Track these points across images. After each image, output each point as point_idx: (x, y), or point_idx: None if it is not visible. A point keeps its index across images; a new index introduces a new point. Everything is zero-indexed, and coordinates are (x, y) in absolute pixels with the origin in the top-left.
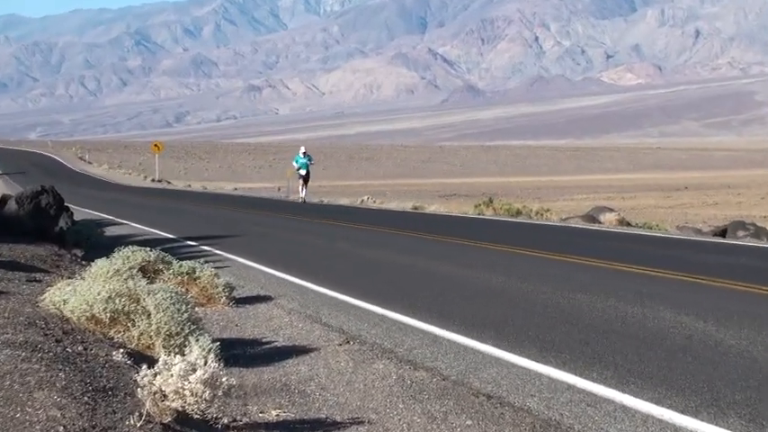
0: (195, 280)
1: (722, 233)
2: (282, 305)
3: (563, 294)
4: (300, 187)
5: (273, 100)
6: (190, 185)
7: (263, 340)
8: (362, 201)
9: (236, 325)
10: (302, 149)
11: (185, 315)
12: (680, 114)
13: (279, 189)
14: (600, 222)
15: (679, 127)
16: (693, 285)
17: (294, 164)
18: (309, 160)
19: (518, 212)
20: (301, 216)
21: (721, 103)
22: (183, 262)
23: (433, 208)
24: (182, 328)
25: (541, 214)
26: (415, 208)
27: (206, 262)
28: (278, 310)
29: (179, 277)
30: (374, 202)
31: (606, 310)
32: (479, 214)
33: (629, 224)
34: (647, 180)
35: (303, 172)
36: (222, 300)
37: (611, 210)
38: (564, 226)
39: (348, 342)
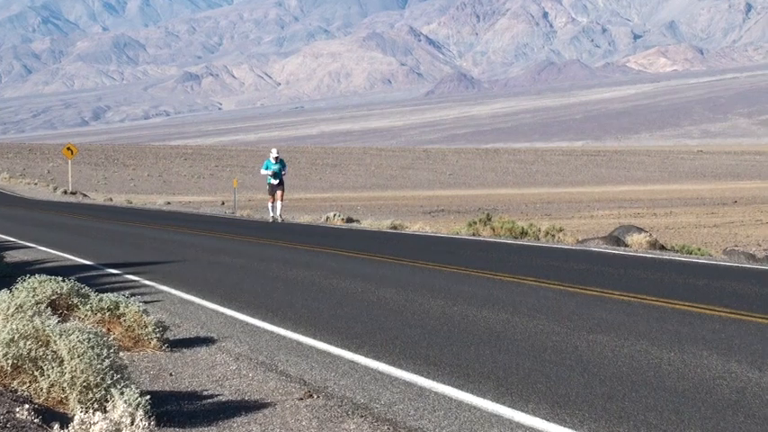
0: (119, 317)
1: None
2: (228, 349)
3: (581, 336)
4: (271, 203)
5: (216, 92)
6: (111, 199)
7: (205, 393)
8: (327, 218)
9: (171, 374)
10: (274, 152)
11: (107, 362)
12: (727, 109)
13: (223, 203)
14: (626, 245)
15: (726, 125)
16: (745, 325)
17: (263, 171)
18: (282, 167)
19: (523, 233)
20: (252, 237)
21: None
22: (104, 295)
23: (417, 227)
24: (102, 378)
25: (552, 235)
26: (394, 227)
27: (132, 295)
28: (223, 356)
29: (99, 314)
30: (342, 220)
31: (635, 357)
32: (474, 235)
33: (662, 248)
34: (685, 192)
35: (275, 181)
36: (153, 342)
37: (641, 229)
38: (581, 250)
39: (311, 396)
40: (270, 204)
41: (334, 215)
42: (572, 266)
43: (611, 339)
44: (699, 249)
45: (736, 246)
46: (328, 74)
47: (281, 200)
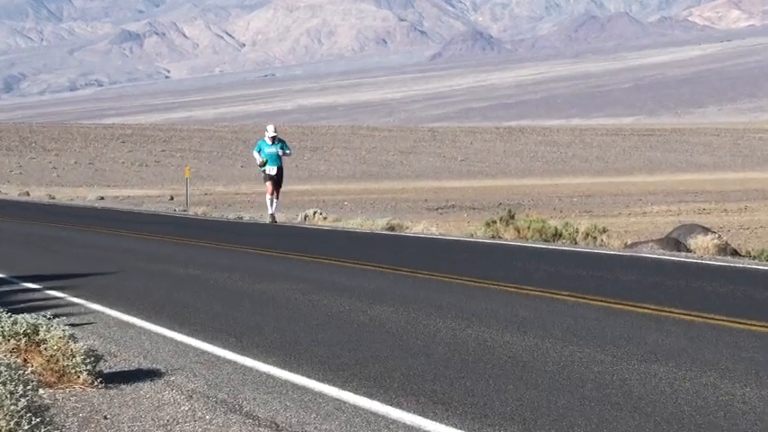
0: (39, 345)
1: None
2: (179, 384)
3: (630, 366)
4: (269, 197)
5: (162, 56)
6: (28, 193)
7: None
8: (306, 217)
9: (106, 417)
10: (270, 130)
11: (22, 401)
12: None
13: (172, 198)
14: (689, 250)
15: None
16: None
17: (256, 155)
18: (283, 148)
19: (556, 234)
20: (210, 241)
21: None
22: (19, 316)
23: (420, 228)
24: (17, 424)
25: (594, 237)
26: (392, 228)
27: (56, 316)
28: (172, 393)
29: (12, 341)
30: (325, 218)
31: (700, 392)
32: (493, 237)
33: (735, 253)
34: (765, 181)
35: (272, 170)
36: (82, 376)
37: (707, 230)
38: (630, 256)
39: None
40: (268, 198)
41: (315, 213)
42: (618, 277)
43: (670, 370)
44: None
45: None
46: (306, 32)
47: (277, 195)
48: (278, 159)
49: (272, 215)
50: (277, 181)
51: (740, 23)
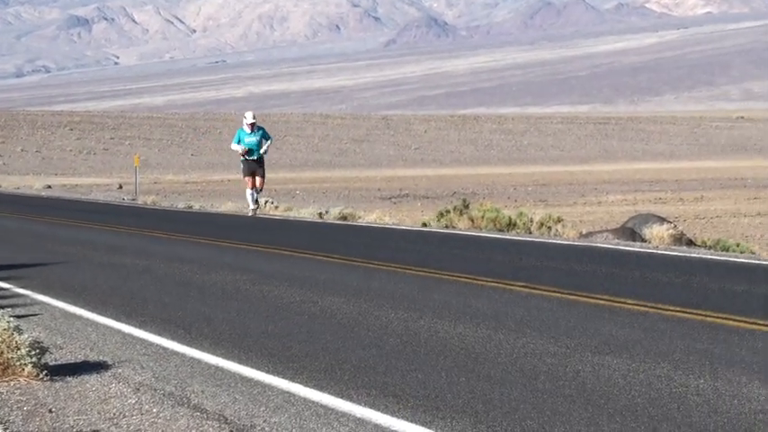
0: None
1: None
2: (126, 377)
3: (584, 358)
4: (249, 188)
5: (111, 42)
6: None
7: None
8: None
9: (51, 410)
10: (248, 117)
11: None
12: None
13: (121, 187)
14: (644, 240)
15: None
16: None
17: (235, 146)
18: (264, 137)
19: (511, 224)
20: (160, 231)
21: None
22: None
23: (373, 217)
24: None
25: (549, 227)
26: (344, 218)
27: (0, 307)
28: (119, 386)
29: None
30: (276, 207)
31: (654, 385)
32: (447, 227)
33: (691, 243)
34: (721, 171)
35: (252, 159)
36: (27, 369)
37: (663, 219)
38: (585, 246)
39: None
40: (248, 191)
41: (267, 202)
42: (573, 268)
43: (623, 362)
44: (738, 245)
45: None
46: (258, 18)
47: (260, 187)
48: (258, 148)
49: (253, 209)
50: (256, 171)
51: (697, 10)
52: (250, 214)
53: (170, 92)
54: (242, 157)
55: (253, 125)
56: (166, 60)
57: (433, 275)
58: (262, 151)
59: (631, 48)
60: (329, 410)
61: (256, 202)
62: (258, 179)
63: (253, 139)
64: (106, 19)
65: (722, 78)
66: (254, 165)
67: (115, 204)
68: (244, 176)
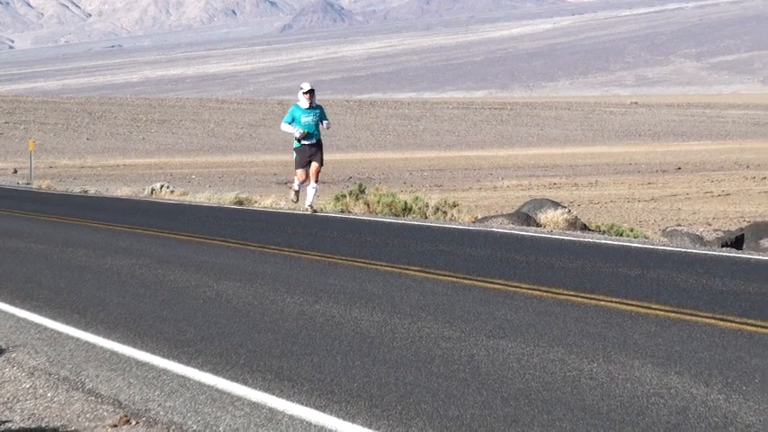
0: None
1: (736, 242)
2: (20, 361)
3: (478, 342)
4: (300, 181)
5: (5, 25)
6: None
7: None
8: (153, 191)
9: None
10: (306, 87)
11: None
12: (669, 49)
13: (15, 172)
14: (538, 225)
15: (668, 69)
16: (689, 327)
17: (287, 126)
18: (320, 117)
19: (406, 209)
20: (55, 216)
21: (739, 31)
22: None
23: (269, 202)
24: None
25: (444, 212)
26: (240, 202)
27: None
28: (13, 370)
29: None
30: (172, 192)
31: (548, 368)
32: (343, 212)
33: (585, 227)
34: (615, 156)
35: (309, 144)
36: None
37: (557, 204)
38: (480, 231)
39: (128, 421)
40: (297, 183)
41: (162, 186)
42: (468, 252)
43: (518, 346)
44: (631, 230)
45: (679, 225)
46: (154, 3)
47: (316, 175)
48: (316, 129)
49: (310, 205)
50: (313, 158)
51: None
52: (307, 210)
53: (65, 76)
54: (297, 142)
55: (311, 95)
56: (62, 45)
57: (328, 260)
58: (324, 126)
59: (527, 33)
60: (224, 394)
61: (306, 197)
62: (315, 165)
63: (309, 119)
64: (1, 2)
65: (616, 64)
66: (313, 150)
67: (10, 188)
68: (296, 168)
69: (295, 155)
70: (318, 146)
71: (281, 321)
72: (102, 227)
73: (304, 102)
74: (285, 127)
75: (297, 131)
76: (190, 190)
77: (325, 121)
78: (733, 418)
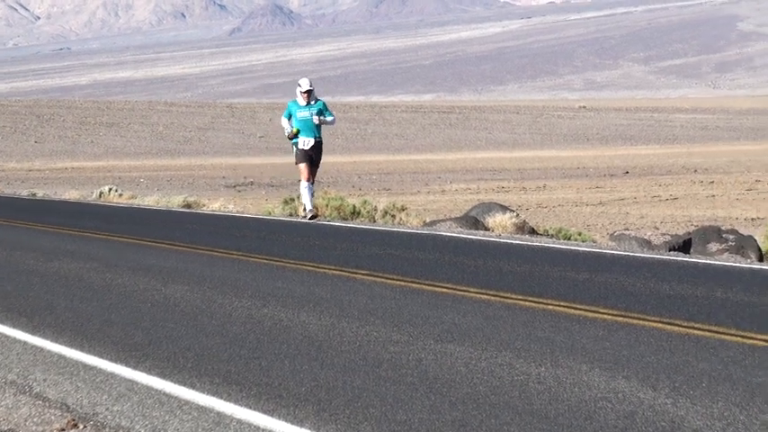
0: None
1: (684, 246)
2: None
3: (426, 346)
4: (305, 183)
5: None
6: None
7: None
8: (101, 194)
9: None
10: (304, 84)
11: None
12: (618, 53)
13: None
14: (486, 228)
15: (616, 73)
16: (636, 332)
17: (285, 123)
18: (322, 113)
19: (355, 212)
20: (3, 219)
21: (687, 35)
22: None
23: (218, 205)
24: None
25: (393, 216)
26: (188, 205)
27: None
28: None
29: None
30: (120, 195)
31: (496, 372)
32: (291, 215)
33: (533, 231)
34: (563, 160)
35: (308, 142)
36: None
37: (505, 208)
38: (428, 234)
39: (76, 425)
40: (303, 184)
41: (111, 190)
42: (416, 256)
43: (465, 350)
44: (579, 234)
45: (627, 229)
46: (102, 5)
47: (313, 180)
48: (315, 128)
49: (312, 210)
50: (314, 160)
51: (540, 0)
52: (307, 217)
53: (14, 79)
54: (292, 138)
55: (309, 95)
56: (10, 47)
57: (277, 263)
58: (316, 121)
59: (475, 37)
60: (172, 398)
61: (314, 208)
62: (309, 165)
63: (306, 114)
64: None
65: (565, 68)
66: (311, 151)
67: None
68: (297, 162)
69: (294, 149)
70: (318, 146)
71: (229, 325)
72: (51, 230)
73: (301, 99)
74: (282, 122)
75: (289, 128)
76: (138, 193)
77: (327, 116)
78: (680, 422)
